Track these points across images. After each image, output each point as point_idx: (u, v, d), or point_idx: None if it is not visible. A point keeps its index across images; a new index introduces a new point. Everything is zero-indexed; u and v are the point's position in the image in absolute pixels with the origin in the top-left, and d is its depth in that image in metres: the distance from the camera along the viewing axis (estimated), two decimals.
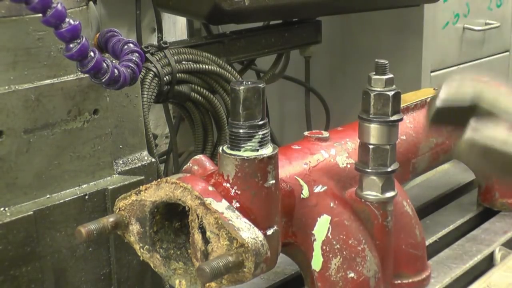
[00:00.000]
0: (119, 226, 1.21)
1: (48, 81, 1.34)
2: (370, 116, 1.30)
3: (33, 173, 1.34)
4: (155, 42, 2.27)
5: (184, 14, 2.56)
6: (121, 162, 1.50)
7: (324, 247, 1.28)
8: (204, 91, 2.11)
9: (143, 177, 1.49)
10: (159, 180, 1.18)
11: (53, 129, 1.35)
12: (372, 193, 1.32)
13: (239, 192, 1.14)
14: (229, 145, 1.15)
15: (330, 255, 1.27)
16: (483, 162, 1.17)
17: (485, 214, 1.81)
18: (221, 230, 1.09)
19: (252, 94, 1.11)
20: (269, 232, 1.16)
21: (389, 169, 1.31)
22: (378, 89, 1.29)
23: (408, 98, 1.65)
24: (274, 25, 2.42)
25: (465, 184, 2.02)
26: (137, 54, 1.42)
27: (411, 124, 1.60)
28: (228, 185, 1.15)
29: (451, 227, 1.75)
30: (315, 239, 1.28)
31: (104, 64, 1.31)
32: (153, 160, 1.56)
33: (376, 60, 1.31)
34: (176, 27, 3.01)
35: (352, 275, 1.28)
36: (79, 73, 1.36)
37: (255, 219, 1.13)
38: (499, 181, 1.78)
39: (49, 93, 1.34)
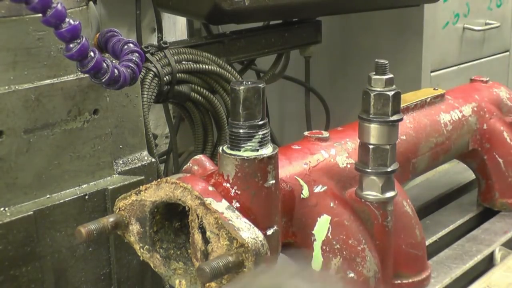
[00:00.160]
0: (119, 226, 1.21)
1: (48, 81, 1.34)
2: (370, 116, 1.30)
3: (33, 173, 1.34)
4: (155, 42, 2.27)
5: (184, 14, 2.56)
6: (121, 162, 1.50)
7: (324, 247, 1.28)
8: (204, 91, 2.11)
9: (143, 177, 1.49)
10: (159, 180, 1.18)
11: (53, 129, 1.35)
12: (372, 193, 1.32)
13: (239, 192, 1.14)
14: (229, 145, 1.15)
15: (330, 255, 1.27)
16: None
17: (485, 214, 1.81)
18: (221, 230, 1.09)
19: (252, 94, 1.11)
20: (269, 232, 1.16)
21: (389, 169, 1.31)
22: (378, 89, 1.29)
23: (408, 98, 1.65)
24: (274, 25, 2.42)
25: (465, 184, 2.02)
26: (137, 54, 1.42)
27: (411, 124, 1.59)
28: (228, 185, 1.15)
29: (451, 227, 1.74)
30: (315, 239, 1.28)
31: (104, 64, 1.31)
32: (153, 160, 1.56)
33: (376, 60, 1.31)
34: (176, 27, 3.01)
35: (352, 275, 1.28)
36: (79, 73, 1.36)
37: (255, 219, 1.13)
38: (499, 181, 1.78)
39: (49, 93, 1.34)
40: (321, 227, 1.28)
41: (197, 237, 1.13)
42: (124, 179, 1.46)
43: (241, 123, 1.12)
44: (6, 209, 1.30)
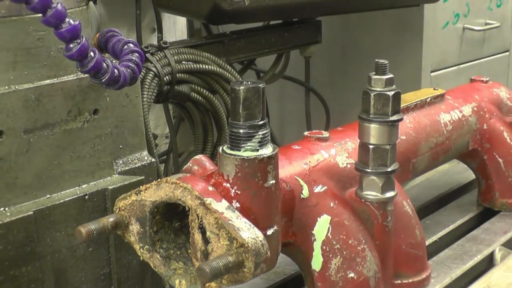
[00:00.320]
0: (119, 226, 1.21)
1: (48, 81, 1.34)
2: (370, 116, 1.30)
3: (33, 173, 1.34)
4: (155, 42, 2.27)
5: (184, 14, 2.56)
6: (121, 162, 1.50)
7: (324, 247, 1.28)
8: (204, 91, 2.11)
9: (143, 177, 1.49)
10: (159, 180, 1.18)
11: (53, 129, 1.35)
12: (372, 193, 1.32)
13: (239, 192, 1.14)
14: (229, 145, 1.15)
15: (330, 255, 1.28)
16: None
17: (485, 214, 1.81)
18: (221, 230, 1.09)
19: (252, 94, 1.11)
20: (269, 232, 1.16)
21: (389, 169, 1.31)
22: (378, 89, 1.29)
23: (408, 98, 1.65)
24: (274, 25, 2.42)
25: (465, 184, 2.02)
26: (137, 54, 1.42)
27: (411, 124, 1.60)
28: (228, 185, 1.15)
29: (451, 227, 1.75)
30: (315, 239, 1.28)
31: (104, 64, 1.31)
32: (153, 160, 1.56)
33: (376, 60, 1.31)
34: (176, 27, 3.01)
35: (352, 275, 1.28)
36: (79, 73, 1.36)
37: (255, 219, 1.13)
38: (499, 181, 1.78)
39: (49, 93, 1.34)
40: (321, 227, 1.28)
41: (197, 237, 1.13)
42: (124, 179, 1.46)
43: (241, 123, 1.12)
44: (6, 209, 1.30)
